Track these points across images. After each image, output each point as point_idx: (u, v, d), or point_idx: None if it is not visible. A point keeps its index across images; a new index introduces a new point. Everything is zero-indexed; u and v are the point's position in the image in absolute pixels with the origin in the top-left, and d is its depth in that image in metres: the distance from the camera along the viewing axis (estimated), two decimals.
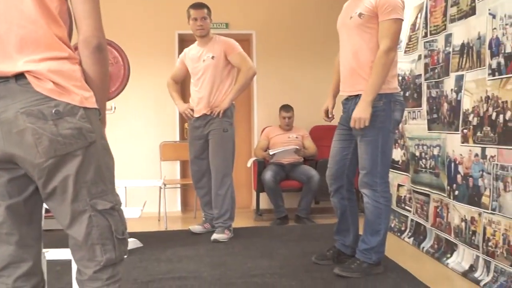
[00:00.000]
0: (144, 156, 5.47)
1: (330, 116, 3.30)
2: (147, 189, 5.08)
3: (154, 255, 3.51)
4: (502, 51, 2.64)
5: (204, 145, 4.09)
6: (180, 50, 4.90)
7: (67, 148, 1.26)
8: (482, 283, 2.78)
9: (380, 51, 2.73)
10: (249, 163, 5.17)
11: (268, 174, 4.82)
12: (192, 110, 4.07)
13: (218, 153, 3.98)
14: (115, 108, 3.63)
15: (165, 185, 5.07)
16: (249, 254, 3.47)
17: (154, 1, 5.57)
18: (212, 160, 4.03)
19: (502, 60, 2.65)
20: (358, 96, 2.86)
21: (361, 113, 2.75)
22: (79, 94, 1.29)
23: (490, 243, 2.81)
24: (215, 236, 3.91)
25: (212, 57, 3.97)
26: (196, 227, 4.21)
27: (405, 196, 4.13)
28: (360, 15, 2.81)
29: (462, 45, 3.09)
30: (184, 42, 5.45)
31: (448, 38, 3.29)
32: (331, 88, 3.30)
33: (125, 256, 1.42)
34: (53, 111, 1.23)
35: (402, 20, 2.79)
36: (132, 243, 3.72)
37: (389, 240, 3.99)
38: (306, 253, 3.43)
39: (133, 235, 3.96)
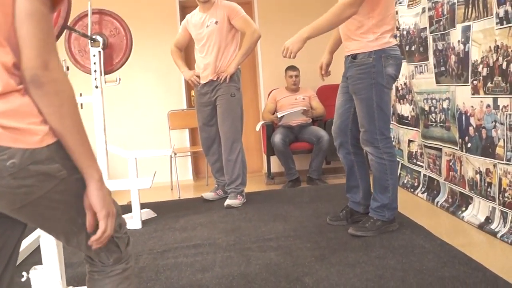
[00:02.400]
0: (152, 126, 5.48)
1: (323, 72, 3.29)
2: (157, 159, 5.10)
3: (168, 224, 3.54)
4: None
5: (212, 111, 4.07)
6: (182, 17, 4.84)
7: (33, 195, 1.07)
8: (499, 235, 2.78)
9: (340, 2, 2.72)
10: (258, 127, 5.15)
11: (277, 137, 4.81)
12: (198, 76, 4.03)
13: (227, 118, 3.97)
14: (120, 79, 3.60)
15: (175, 154, 5.10)
16: (263, 218, 3.49)
17: None
18: (220, 126, 4.02)
19: (509, 8, 2.56)
20: (350, 56, 2.91)
21: (289, 43, 2.77)
22: (38, 133, 1.05)
23: (506, 194, 2.79)
24: (228, 201, 3.93)
25: (216, 22, 3.90)
26: (208, 194, 4.24)
27: (416, 151, 4.11)
28: None
29: None
30: (185, 9, 5.36)
31: None
32: (329, 45, 3.31)
33: (129, 244, 1.36)
34: (8, 165, 1.01)
35: None
36: (146, 213, 3.77)
37: (402, 196, 4.01)
38: (320, 214, 3.45)
39: (147, 205, 4.00)
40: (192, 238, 3.12)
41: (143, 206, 3.83)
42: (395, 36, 4.24)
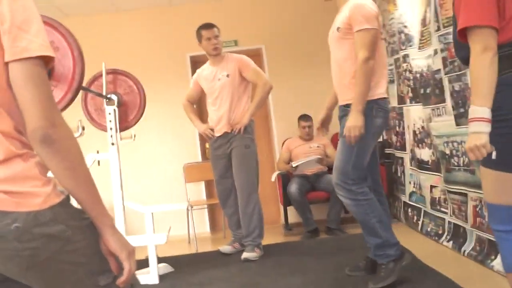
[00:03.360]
0: (168, 179, 5.47)
1: (318, 127, 3.29)
2: (174, 212, 5.04)
3: (186, 279, 3.48)
4: None
5: (228, 163, 4.05)
6: (193, 72, 4.90)
7: (39, 257, 1.06)
8: None
9: (359, 62, 2.77)
10: (273, 177, 5.10)
11: (293, 187, 4.74)
12: (212, 130, 4.05)
13: (242, 170, 3.94)
14: (135, 136, 3.62)
15: (191, 206, 5.05)
16: (281, 272, 3.38)
17: (162, 27, 5.61)
18: (236, 178, 3.98)
19: None
20: (346, 106, 2.90)
21: (353, 121, 2.75)
22: (41, 195, 1.06)
23: None
24: (245, 255, 3.84)
25: (227, 75, 3.96)
26: (225, 248, 4.15)
27: (439, 197, 3.99)
28: (338, 29, 2.90)
29: None
30: (196, 64, 5.44)
31: None
32: (327, 101, 3.33)
33: None
34: (12, 228, 1.02)
35: (375, 29, 2.81)
36: (163, 268, 3.72)
37: (426, 245, 3.88)
38: (339, 266, 3.32)
39: (164, 259, 3.94)
40: None
41: (160, 260, 3.79)
42: (408, 79, 4.26)
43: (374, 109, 2.82)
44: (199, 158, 5.53)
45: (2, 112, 1.08)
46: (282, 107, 5.54)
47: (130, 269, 1.17)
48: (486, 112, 1.66)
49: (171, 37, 5.57)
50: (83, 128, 2.60)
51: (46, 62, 1.10)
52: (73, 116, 2.84)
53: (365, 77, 2.75)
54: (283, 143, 5.33)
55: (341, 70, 2.92)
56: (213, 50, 3.99)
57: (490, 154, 1.69)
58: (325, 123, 3.29)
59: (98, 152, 3.47)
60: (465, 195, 3.50)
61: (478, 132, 1.68)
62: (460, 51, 1.94)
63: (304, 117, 5.13)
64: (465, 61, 1.87)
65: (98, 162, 3.45)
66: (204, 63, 4.24)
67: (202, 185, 5.56)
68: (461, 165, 3.50)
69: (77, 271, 1.14)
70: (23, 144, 1.10)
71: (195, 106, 4.38)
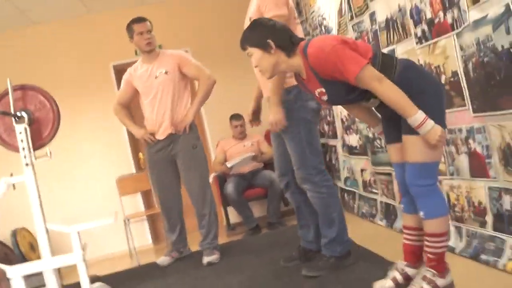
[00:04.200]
0: (101, 194, 5.28)
1: (250, 119, 3.22)
2: (111, 227, 4.85)
3: None
4: (424, 18, 2.60)
5: (171, 167, 3.79)
6: (118, 81, 4.75)
7: None
8: (457, 251, 2.72)
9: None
10: (210, 179, 5.02)
11: (229, 187, 4.70)
12: (152, 134, 3.75)
13: (194, 173, 3.73)
14: (51, 153, 3.42)
15: (128, 220, 4.91)
16: (218, 273, 3.33)
17: (82, 37, 5.42)
18: (188, 181, 3.76)
19: (425, 27, 2.61)
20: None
21: (274, 115, 2.70)
22: None
23: (456, 209, 2.75)
24: (207, 259, 3.65)
25: (166, 72, 3.68)
26: (163, 259, 3.93)
27: (369, 179, 4.07)
28: (250, 19, 2.77)
29: (387, 20, 3.05)
30: (120, 72, 5.27)
31: (372, 16, 3.26)
32: (255, 92, 3.22)
33: None
34: None
35: (285, 15, 2.68)
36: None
37: (362, 226, 3.94)
38: (276, 259, 3.29)
39: (102, 278, 3.76)
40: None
41: (99, 279, 3.61)
42: None
43: (302, 93, 2.72)
44: (132, 170, 5.39)
45: None
46: (212, 108, 5.47)
47: None
48: (423, 113, 1.99)
49: (92, 46, 5.38)
50: None
51: None
52: None
53: None
54: (217, 144, 5.27)
55: None
56: (146, 46, 3.69)
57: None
58: (256, 114, 3.21)
59: (11, 175, 3.26)
60: (390, 174, 3.57)
61: (432, 127, 1.99)
62: (348, 95, 2.17)
63: (235, 117, 5.10)
64: (354, 100, 2.20)
65: (13, 186, 3.25)
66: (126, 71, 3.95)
67: (138, 197, 5.42)
68: (384, 146, 3.57)
69: None
70: None
71: (127, 109, 3.99)
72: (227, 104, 5.41)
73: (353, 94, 2.16)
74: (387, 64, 2.10)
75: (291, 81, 2.72)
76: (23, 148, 3.19)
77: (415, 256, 2.29)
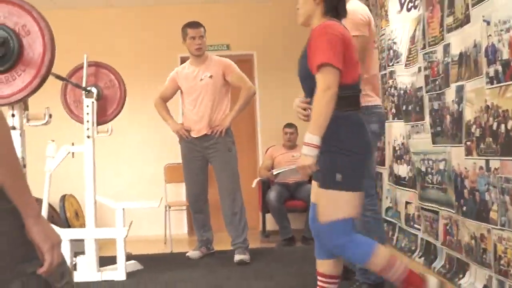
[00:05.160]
0: (148, 178, 5.46)
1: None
2: (152, 212, 5.01)
3: (153, 277, 3.50)
4: (499, 58, 2.54)
5: (202, 166, 4.02)
6: None
7: None
8: None
9: (318, 91, 2.63)
10: (254, 183, 5.09)
11: (272, 195, 4.73)
12: (187, 130, 3.98)
13: (226, 173, 3.94)
14: (111, 130, 3.61)
15: (169, 207, 5.04)
16: (246, 276, 3.37)
17: (154, 26, 5.61)
18: (221, 180, 3.97)
19: (499, 68, 2.55)
20: None
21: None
22: None
23: (502, 262, 2.66)
24: (239, 257, 3.81)
25: (210, 76, 3.91)
26: (193, 253, 4.10)
27: (413, 214, 3.99)
28: None
29: (460, 54, 3.00)
30: None
31: (446, 48, 3.21)
32: None
33: None
34: None
35: (365, 36, 2.72)
36: (132, 265, 3.71)
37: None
38: (306, 273, 3.30)
39: (135, 257, 3.93)
40: None
41: (132, 258, 3.82)
42: (392, 95, 4.28)
43: (366, 115, 2.63)
44: (180, 160, 5.51)
45: None
46: (269, 114, 5.54)
47: (51, 262, 1.14)
48: (318, 140, 2.03)
49: (162, 36, 5.57)
50: (50, 116, 2.59)
51: None
52: (49, 104, 2.86)
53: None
54: (266, 150, 5.33)
55: None
56: (196, 50, 3.93)
57: (334, 177, 2.09)
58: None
59: (73, 144, 3.46)
60: (437, 212, 3.50)
61: (308, 155, 2.03)
62: (306, 80, 2.24)
63: (289, 125, 5.15)
64: (310, 91, 2.21)
65: (73, 154, 3.44)
66: None
67: (182, 187, 5.53)
68: (435, 183, 3.50)
69: (1, 258, 1.11)
70: None
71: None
72: (284, 112, 5.42)
73: (306, 82, 2.24)
74: (349, 101, 2.15)
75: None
76: (87, 121, 3.37)
77: None
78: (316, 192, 2.25)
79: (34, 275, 1.15)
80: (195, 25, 3.97)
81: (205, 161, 4.00)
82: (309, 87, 2.22)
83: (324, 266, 2.28)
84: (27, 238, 1.13)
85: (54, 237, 1.16)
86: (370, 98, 2.83)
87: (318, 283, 2.31)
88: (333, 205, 2.12)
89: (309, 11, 2.27)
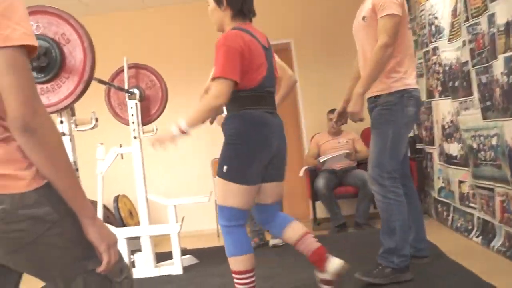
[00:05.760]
0: (196, 174, 5.54)
1: (335, 121, 3.22)
2: (203, 206, 5.09)
3: (208, 270, 3.57)
4: None
5: None
6: None
7: (25, 239, 1.09)
8: None
9: (377, 46, 2.68)
10: (301, 172, 5.07)
11: (320, 182, 4.70)
12: None
13: None
14: (157, 129, 3.68)
15: None
16: (302, 264, 3.34)
17: (192, 23, 5.65)
18: None
19: None
20: (373, 97, 2.85)
21: (352, 107, 2.71)
22: (25, 178, 1.08)
23: None
24: (273, 241, 4.03)
25: None
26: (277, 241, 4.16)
27: (468, 192, 3.87)
28: (363, 18, 2.84)
29: (507, 23, 2.86)
30: None
31: (490, 18, 3.07)
32: (346, 94, 3.21)
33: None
34: None
35: (399, 15, 2.69)
36: (188, 259, 3.80)
37: (455, 241, 3.77)
38: (362, 257, 3.28)
39: (189, 252, 4.03)
40: (229, 284, 3.03)
41: (187, 252, 3.94)
42: (437, 72, 4.14)
43: (405, 97, 2.75)
44: None
45: None
46: (311, 102, 5.50)
47: (108, 261, 1.18)
48: (185, 127, 2.36)
49: (200, 32, 5.61)
50: (97, 120, 2.66)
51: (29, 51, 1.09)
52: (95, 108, 2.94)
53: (377, 63, 2.66)
54: (311, 138, 5.29)
55: (367, 61, 2.83)
56: None
57: (222, 168, 2.33)
58: (342, 116, 3.23)
59: (121, 145, 3.55)
60: (492, 190, 3.38)
61: (175, 134, 2.37)
62: None
63: (332, 111, 5.06)
64: None
65: (121, 155, 3.54)
66: None
67: None
68: (488, 159, 3.38)
69: (63, 256, 1.15)
70: (4, 129, 1.10)
71: None
72: (326, 98, 5.39)
73: None
74: (248, 100, 2.35)
75: (397, 85, 2.75)
76: (133, 122, 3.45)
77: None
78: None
79: (94, 271, 1.19)
80: None
81: None
82: None
83: (288, 233, 2.53)
84: (86, 237, 1.17)
85: (110, 237, 1.20)
86: (408, 81, 2.80)
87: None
88: (222, 192, 2.39)
89: (219, 19, 2.44)
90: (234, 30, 2.35)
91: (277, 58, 3.95)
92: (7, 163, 1.07)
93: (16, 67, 1.05)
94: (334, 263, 2.44)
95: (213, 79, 2.28)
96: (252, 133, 2.35)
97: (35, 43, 1.10)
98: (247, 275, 2.42)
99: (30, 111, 1.05)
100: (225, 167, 2.33)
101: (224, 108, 2.57)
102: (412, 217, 3.00)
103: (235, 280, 2.45)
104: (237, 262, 2.41)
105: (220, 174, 2.36)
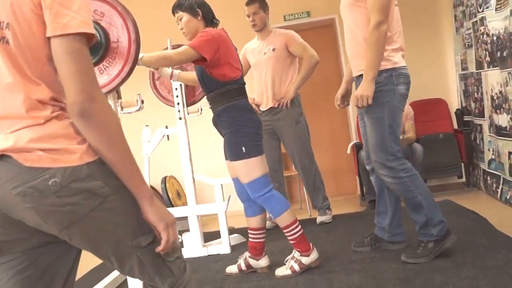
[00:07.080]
0: None
1: (338, 103, 3.15)
2: None
3: None
4: None
5: (271, 138, 4.10)
6: None
7: (79, 213, 1.11)
8: None
9: (371, 27, 2.58)
10: (348, 149, 5.06)
11: (362, 154, 4.64)
12: (258, 105, 4.09)
13: (296, 146, 4.06)
14: (201, 110, 3.75)
15: None
16: (351, 240, 3.36)
17: (233, 5, 5.65)
18: (292, 153, 4.12)
19: None
20: (361, 76, 2.71)
21: (363, 90, 2.60)
22: (77, 152, 1.11)
23: None
24: (319, 219, 4.10)
25: (273, 49, 4.00)
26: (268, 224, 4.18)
27: None
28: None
29: None
30: None
31: None
32: (346, 74, 3.23)
33: (186, 270, 1.36)
34: (50, 184, 1.07)
35: None
36: (235, 238, 3.86)
37: (506, 213, 3.68)
38: (410, 233, 3.24)
39: (237, 231, 4.09)
40: (276, 262, 3.10)
41: (234, 231, 4.01)
42: (485, 43, 4.01)
43: (394, 76, 2.66)
44: None
45: (41, 83, 1.14)
46: None
47: (167, 240, 1.21)
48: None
49: (241, 12, 5.60)
50: (142, 102, 2.74)
51: (88, 38, 1.13)
52: (140, 90, 3.02)
53: (377, 43, 2.56)
54: (357, 116, 5.23)
55: (354, 39, 2.77)
56: (252, 27, 4.07)
57: (241, 149, 2.68)
58: (345, 97, 3.16)
59: (167, 127, 3.64)
60: None
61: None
62: (203, 80, 2.86)
63: None
64: (207, 90, 2.83)
65: (168, 136, 3.63)
66: None
67: None
68: None
69: (116, 231, 1.18)
70: (58, 108, 1.16)
71: None
72: None
73: (204, 82, 2.80)
74: (235, 92, 2.72)
75: (384, 64, 2.63)
76: (178, 103, 3.53)
77: (256, 250, 2.99)
78: (232, 167, 2.85)
79: (147, 249, 1.22)
80: (248, 2, 4.08)
81: (275, 134, 4.12)
82: (207, 87, 2.78)
83: (252, 222, 2.97)
84: (140, 213, 1.20)
85: (168, 216, 1.23)
86: (396, 60, 2.68)
87: (250, 235, 3.01)
88: (245, 171, 2.71)
89: (194, 28, 2.80)
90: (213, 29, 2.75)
91: (299, 39, 3.96)
92: (59, 138, 1.11)
93: (74, 54, 1.10)
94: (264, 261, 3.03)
95: (188, 46, 2.60)
96: (248, 116, 2.73)
97: (93, 31, 1.14)
98: (297, 223, 2.80)
99: (88, 98, 1.09)
100: (243, 148, 2.67)
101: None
102: (389, 201, 2.97)
103: (289, 234, 2.81)
104: (287, 216, 2.77)
105: (240, 156, 2.69)
